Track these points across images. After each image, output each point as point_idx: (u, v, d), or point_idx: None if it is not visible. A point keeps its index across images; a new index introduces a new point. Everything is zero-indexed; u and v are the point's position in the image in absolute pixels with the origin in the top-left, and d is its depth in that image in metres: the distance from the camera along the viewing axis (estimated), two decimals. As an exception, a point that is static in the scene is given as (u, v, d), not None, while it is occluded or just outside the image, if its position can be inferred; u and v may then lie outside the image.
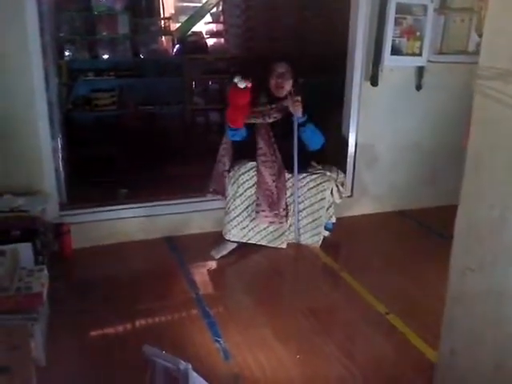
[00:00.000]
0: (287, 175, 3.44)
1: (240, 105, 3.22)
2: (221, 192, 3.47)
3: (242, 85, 3.10)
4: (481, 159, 1.75)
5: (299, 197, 3.45)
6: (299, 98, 3.30)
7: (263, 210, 3.35)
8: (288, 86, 3.40)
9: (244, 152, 3.44)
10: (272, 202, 3.35)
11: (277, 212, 3.36)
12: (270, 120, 3.42)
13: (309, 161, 3.48)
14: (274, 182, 3.34)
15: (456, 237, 1.89)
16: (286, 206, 3.44)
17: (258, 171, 3.34)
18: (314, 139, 3.45)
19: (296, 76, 3.44)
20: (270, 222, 3.41)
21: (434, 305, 2.71)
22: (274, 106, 3.43)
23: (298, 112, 3.33)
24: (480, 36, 3.90)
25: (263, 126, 3.42)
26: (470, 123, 1.76)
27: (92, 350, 2.49)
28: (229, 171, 3.42)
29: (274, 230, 3.48)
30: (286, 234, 3.52)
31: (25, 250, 2.68)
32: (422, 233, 3.91)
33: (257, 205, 3.36)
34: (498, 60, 1.62)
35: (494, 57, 1.64)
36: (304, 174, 3.45)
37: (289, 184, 3.45)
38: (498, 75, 1.58)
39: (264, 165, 3.35)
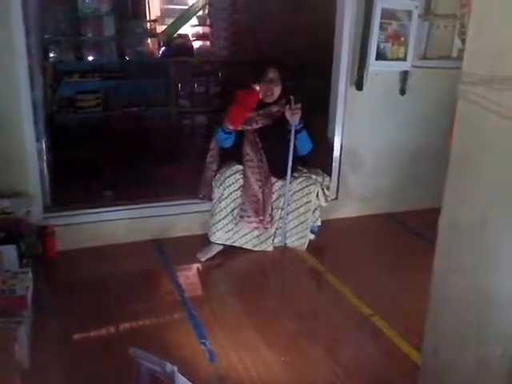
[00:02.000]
0: (273, 179, 3.46)
1: (249, 105, 3.29)
2: (210, 198, 3.47)
3: (257, 87, 3.30)
4: (463, 163, 1.78)
5: (284, 200, 3.47)
6: (299, 106, 3.33)
7: (248, 216, 3.35)
8: (278, 91, 3.42)
9: (231, 158, 3.44)
10: (258, 207, 3.35)
11: (262, 218, 3.38)
12: (258, 126, 3.43)
13: (296, 165, 3.49)
14: (260, 187, 3.35)
15: (439, 238, 1.92)
16: (272, 210, 3.45)
17: (245, 176, 3.35)
18: (305, 145, 3.48)
19: (285, 81, 3.47)
20: (255, 228, 3.42)
21: (418, 307, 2.73)
22: (261, 112, 3.44)
23: (295, 120, 3.35)
24: (463, 42, 3.96)
25: (250, 131, 3.43)
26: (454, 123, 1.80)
27: (77, 352, 2.47)
28: (215, 174, 3.42)
29: (260, 234, 3.49)
30: (272, 237, 3.53)
31: (9, 252, 2.66)
32: (406, 235, 3.94)
33: (242, 210, 3.36)
34: (481, 66, 1.65)
35: (477, 63, 1.67)
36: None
37: (274, 188, 3.46)
38: (480, 81, 1.61)
39: (251, 170, 3.36)
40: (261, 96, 3.41)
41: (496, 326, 1.74)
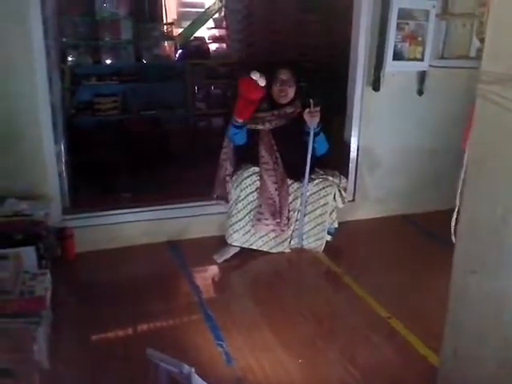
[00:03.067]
0: (289, 181, 3.45)
1: (253, 99, 3.20)
2: (225, 197, 3.47)
3: (262, 83, 3.12)
4: (482, 162, 1.77)
5: (301, 202, 3.46)
6: (318, 109, 3.31)
7: (266, 219, 3.35)
8: (291, 92, 3.41)
9: (245, 156, 3.45)
10: (275, 210, 3.35)
11: (279, 220, 3.37)
12: (271, 126, 3.42)
13: (313, 167, 3.47)
14: (276, 190, 3.34)
15: (458, 239, 1.90)
16: (288, 212, 3.45)
17: (261, 178, 3.35)
18: (322, 147, 3.47)
19: (299, 82, 3.46)
20: (272, 230, 3.42)
21: (436, 309, 2.70)
22: (275, 112, 3.43)
23: (314, 123, 3.33)
24: (481, 41, 3.91)
25: (265, 133, 3.41)
26: (469, 125, 1.78)
27: (95, 353, 2.49)
28: (232, 175, 3.43)
29: (277, 236, 3.48)
30: (289, 239, 3.52)
31: (28, 254, 2.69)
32: (424, 237, 3.90)
33: (259, 212, 3.36)
34: (499, 65, 1.63)
35: (495, 62, 1.66)
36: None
37: (291, 190, 3.46)
38: (498, 80, 1.60)
39: (267, 173, 3.35)
40: (274, 97, 3.41)
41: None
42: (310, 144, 3.38)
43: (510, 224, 1.68)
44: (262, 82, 3.13)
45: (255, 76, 3.11)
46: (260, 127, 3.40)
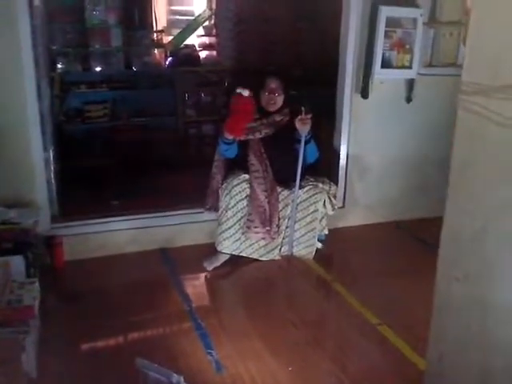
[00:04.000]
0: (278, 189, 3.45)
1: (244, 110, 3.24)
2: (217, 209, 3.47)
3: (245, 92, 3.19)
4: (464, 172, 1.78)
5: (292, 209, 3.46)
6: (310, 117, 3.32)
7: (256, 227, 3.35)
8: (280, 100, 3.43)
9: (235, 164, 3.45)
10: (265, 218, 3.35)
11: (269, 228, 3.37)
12: (261, 135, 3.43)
13: (304, 175, 3.48)
14: (266, 198, 3.34)
15: (441, 247, 1.92)
16: (278, 220, 3.45)
17: (251, 186, 3.35)
18: (312, 154, 3.48)
19: (288, 90, 3.47)
20: (262, 238, 3.42)
21: (426, 316, 2.71)
22: (264, 121, 3.44)
23: (305, 130, 3.35)
24: (469, 49, 3.96)
25: (255, 142, 3.43)
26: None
27: (84, 362, 2.48)
28: (222, 183, 3.43)
29: (267, 244, 3.48)
30: (279, 247, 3.53)
31: (16, 262, 2.68)
32: (413, 243, 3.92)
33: (249, 220, 3.36)
34: (480, 75, 1.65)
35: (476, 72, 1.67)
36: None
37: (281, 198, 3.46)
38: (480, 90, 1.61)
39: (256, 181, 3.35)
40: (263, 105, 3.43)
41: (497, 335, 1.73)
42: (300, 151, 3.39)
43: (490, 233, 1.69)
44: (245, 92, 3.21)
45: (239, 89, 3.20)
46: (250, 137, 3.41)
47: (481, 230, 1.71)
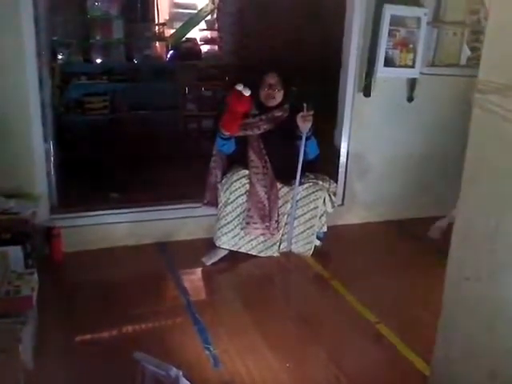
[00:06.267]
0: (278, 185, 3.45)
1: (240, 112, 3.21)
2: (215, 204, 3.46)
3: (247, 92, 3.12)
4: (478, 171, 1.78)
5: (291, 206, 3.46)
6: (311, 113, 3.31)
7: (255, 223, 3.35)
8: (279, 96, 3.42)
9: (235, 160, 3.44)
10: (264, 214, 3.35)
11: (268, 224, 3.37)
12: (260, 131, 3.42)
13: (303, 171, 3.48)
14: (265, 194, 3.34)
15: (453, 246, 1.91)
16: (278, 216, 3.45)
17: (251, 182, 3.34)
18: (312, 151, 3.48)
19: (287, 86, 3.46)
20: (261, 234, 3.42)
21: (423, 315, 2.73)
22: (263, 116, 3.43)
23: (306, 127, 3.34)
24: (472, 50, 3.95)
25: (254, 138, 3.42)
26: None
27: (81, 354, 2.47)
28: (221, 178, 3.42)
29: (266, 240, 3.47)
30: (278, 243, 3.52)
31: (15, 253, 2.67)
32: (412, 242, 3.92)
33: (248, 216, 3.35)
34: (498, 75, 1.64)
35: (493, 71, 1.67)
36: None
37: (280, 194, 3.46)
38: (495, 89, 1.60)
39: (256, 177, 3.35)
40: (262, 100, 3.41)
41: (508, 337, 1.72)
42: (301, 148, 3.38)
43: (503, 233, 1.69)
44: (247, 92, 3.14)
45: (239, 87, 3.13)
46: (249, 133, 3.40)
47: (494, 229, 1.71)
